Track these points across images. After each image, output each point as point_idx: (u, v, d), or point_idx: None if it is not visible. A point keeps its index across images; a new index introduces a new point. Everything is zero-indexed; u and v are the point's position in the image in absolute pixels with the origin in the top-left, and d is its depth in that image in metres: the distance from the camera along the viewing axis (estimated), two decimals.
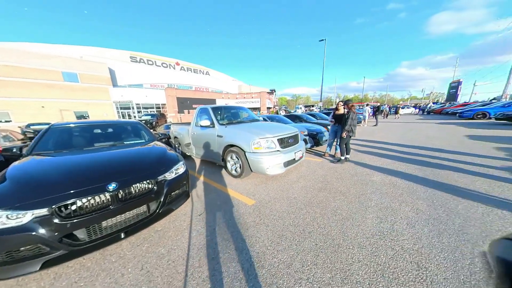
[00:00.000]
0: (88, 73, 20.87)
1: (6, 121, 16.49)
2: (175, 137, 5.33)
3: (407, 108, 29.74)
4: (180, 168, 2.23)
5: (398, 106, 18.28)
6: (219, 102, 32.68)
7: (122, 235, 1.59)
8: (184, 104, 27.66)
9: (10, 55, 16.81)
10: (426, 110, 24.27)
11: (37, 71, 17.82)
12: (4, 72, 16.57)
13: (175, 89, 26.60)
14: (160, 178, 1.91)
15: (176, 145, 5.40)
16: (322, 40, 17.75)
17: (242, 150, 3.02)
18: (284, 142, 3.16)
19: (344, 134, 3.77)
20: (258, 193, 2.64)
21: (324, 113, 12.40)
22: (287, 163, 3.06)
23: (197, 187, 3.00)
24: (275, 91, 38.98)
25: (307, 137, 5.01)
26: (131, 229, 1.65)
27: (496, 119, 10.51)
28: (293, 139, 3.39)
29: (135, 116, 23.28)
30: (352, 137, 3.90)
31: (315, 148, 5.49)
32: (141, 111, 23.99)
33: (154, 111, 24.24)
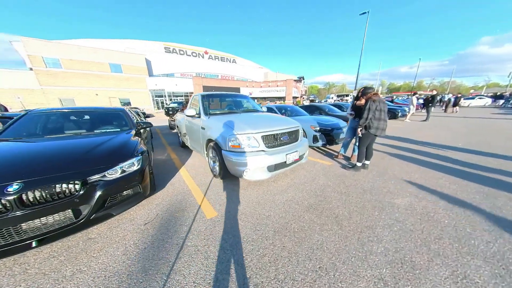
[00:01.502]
0: (129, 64, 23.39)
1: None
2: (177, 126, 5.20)
3: (479, 98, 22.68)
4: (133, 166, 1.90)
5: (459, 96, 13.60)
6: (243, 91, 32.29)
7: (34, 244, 1.36)
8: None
9: (73, 51, 20.14)
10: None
11: (91, 63, 20.97)
12: (70, 65, 20.09)
13: (201, 78, 27.45)
14: (94, 178, 1.60)
15: (179, 134, 5.30)
16: (364, 13, 14.61)
17: (219, 147, 2.50)
18: (273, 140, 2.47)
19: (358, 131, 2.83)
20: (229, 202, 2.13)
21: None
22: (275, 167, 2.40)
23: (170, 184, 2.69)
24: (303, 79, 35.87)
25: (318, 134, 4.09)
26: (50, 236, 1.41)
27: None
28: (288, 137, 2.65)
29: (167, 103, 25.36)
30: (379, 136, 2.85)
31: (328, 147, 4.50)
32: (172, 99, 25.89)
33: (183, 100, 25.80)
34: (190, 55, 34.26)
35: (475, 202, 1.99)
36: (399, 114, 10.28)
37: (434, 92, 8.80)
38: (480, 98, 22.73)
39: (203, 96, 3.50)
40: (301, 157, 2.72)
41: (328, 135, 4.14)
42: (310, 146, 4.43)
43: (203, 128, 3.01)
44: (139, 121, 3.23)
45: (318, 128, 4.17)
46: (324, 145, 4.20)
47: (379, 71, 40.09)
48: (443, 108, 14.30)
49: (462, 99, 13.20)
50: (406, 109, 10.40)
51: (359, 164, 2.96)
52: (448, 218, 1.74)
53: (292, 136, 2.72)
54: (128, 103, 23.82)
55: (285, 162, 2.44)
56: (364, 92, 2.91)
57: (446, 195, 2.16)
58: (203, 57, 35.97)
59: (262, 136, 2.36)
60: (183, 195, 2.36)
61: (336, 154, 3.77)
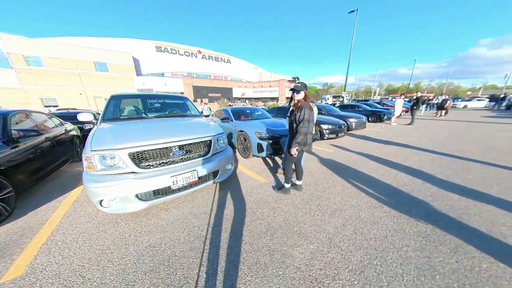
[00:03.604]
0: (115, 63, 22.77)
1: (54, 106, 19.69)
2: None
3: (477, 100, 22.27)
4: None
5: (447, 97, 12.33)
6: (236, 91, 31.74)
7: None
8: (200, 92, 27.90)
9: (55, 49, 19.52)
10: (505, 104, 17.44)
11: (75, 61, 20.33)
12: (52, 63, 19.47)
13: (191, 78, 26.89)
14: None
15: None
16: (353, 11, 14.01)
17: None
18: (154, 157, 1.84)
19: (293, 150, 2.01)
20: (64, 252, 1.51)
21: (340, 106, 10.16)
22: (155, 194, 1.79)
23: (35, 212, 2.07)
24: (298, 79, 35.30)
25: (263, 142, 3.46)
26: None
27: None
28: (186, 151, 2.02)
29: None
30: (307, 151, 2.22)
31: (275, 156, 3.88)
32: None
33: None
34: (182, 55, 33.67)
35: (406, 254, 1.37)
36: (385, 117, 9.76)
37: (419, 94, 8.22)
38: (479, 100, 22.34)
39: (112, 97, 2.87)
40: (204, 178, 2.10)
41: (276, 144, 3.52)
42: (256, 156, 3.81)
43: None
44: (22, 129, 2.58)
45: (266, 136, 3.54)
46: (270, 155, 3.58)
47: (376, 72, 39.62)
48: (436, 111, 13.66)
49: (450, 101, 12.16)
50: (392, 110, 9.83)
51: (287, 185, 2.33)
52: None
53: (194, 151, 2.09)
54: None
55: (169, 187, 1.82)
56: (295, 90, 1.99)
57: (375, 242, 1.54)
58: (196, 57, 35.38)
59: (131, 153, 1.73)
60: (28, 231, 1.73)
61: (276, 168, 3.16)
